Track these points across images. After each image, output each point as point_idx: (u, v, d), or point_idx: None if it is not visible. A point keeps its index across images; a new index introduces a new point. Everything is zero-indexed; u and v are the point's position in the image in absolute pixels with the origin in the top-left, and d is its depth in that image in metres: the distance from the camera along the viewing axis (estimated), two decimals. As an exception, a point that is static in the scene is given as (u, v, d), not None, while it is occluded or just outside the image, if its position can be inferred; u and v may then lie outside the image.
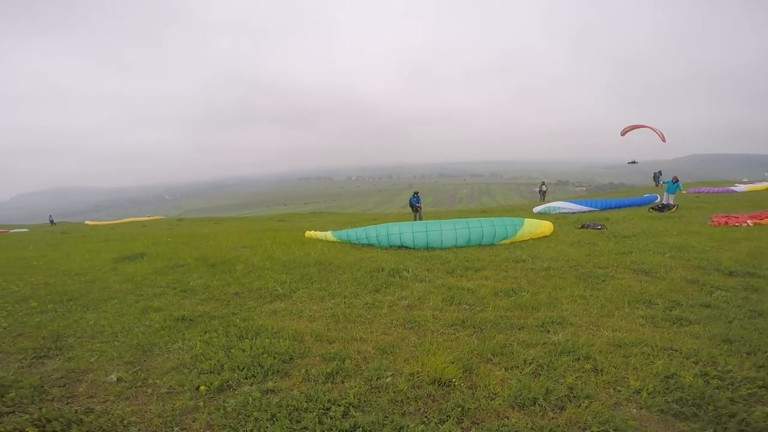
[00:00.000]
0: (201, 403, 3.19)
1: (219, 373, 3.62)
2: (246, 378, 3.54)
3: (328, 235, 11.26)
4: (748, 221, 11.74)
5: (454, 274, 7.09)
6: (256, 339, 4.30)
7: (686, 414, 2.85)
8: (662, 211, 15.92)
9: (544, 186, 32.38)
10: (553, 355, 3.75)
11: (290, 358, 3.89)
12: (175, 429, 2.90)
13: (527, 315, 4.88)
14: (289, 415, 2.98)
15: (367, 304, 5.49)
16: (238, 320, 4.92)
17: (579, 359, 3.68)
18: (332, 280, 6.73)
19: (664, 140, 18.06)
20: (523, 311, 5.03)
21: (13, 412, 3.06)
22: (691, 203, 19.21)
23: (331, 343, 4.24)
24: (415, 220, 17.77)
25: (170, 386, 3.47)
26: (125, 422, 2.97)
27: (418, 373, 3.49)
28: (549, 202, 23.03)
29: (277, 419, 2.93)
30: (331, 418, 2.92)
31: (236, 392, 3.33)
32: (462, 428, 2.84)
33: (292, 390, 3.32)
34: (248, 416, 2.99)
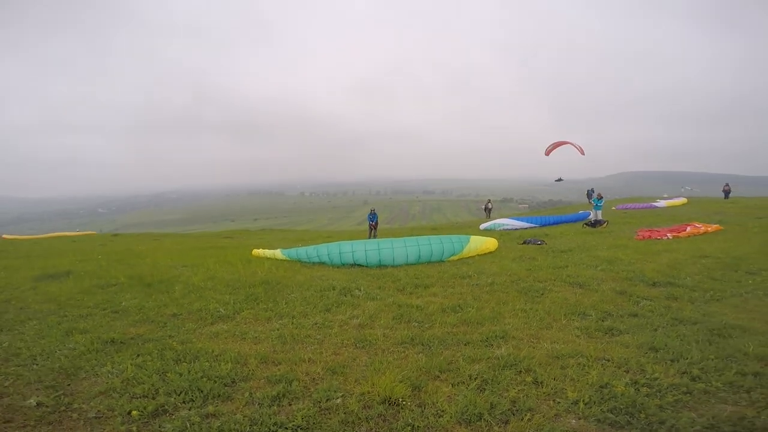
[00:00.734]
0: (134, 428, 2.99)
1: (153, 398, 3.39)
2: (184, 402, 3.34)
3: (277, 253, 10.96)
4: (668, 234, 12.94)
5: (404, 291, 7.15)
6: (194, 362, 4.06)
7: (621, 423, 3.02)
8: (594, 227, 17.15)
9: (490, 203, 33.71)
10: (497, 369, 3.86)
11: (232, 382, 3.71)
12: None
13: (472, 330, 5.01)
14: (232, 440, 2.83)
15: (316, 324, 5.38)
16: (174, 343, 4.62)
17: (521, 372, 3.81)
18: (280, 300, 6.53)
19: (582, 153, 19.51)
20: (468, 327, 5.15)
21: None
22: (619, 218, 20.84)
23: (277, 365, 4.09)
24: (370, 237, 17.80)
25: (99, 411, 3.23)
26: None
27: (368, 392, 3.45)
28: (494, 219, 24.02)
29: (218, 446, 2.77)
30: (277, 443, 2.80)
31: (173, 417, 3.13)
32: (411, 447, 2.83)
33: (235, 414, 3.17)
34: (187, 443, 2.81)
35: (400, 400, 3.33)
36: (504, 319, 5.40)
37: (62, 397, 3.44)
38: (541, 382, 3.61)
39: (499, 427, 3.02)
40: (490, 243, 11.50)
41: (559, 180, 22.58)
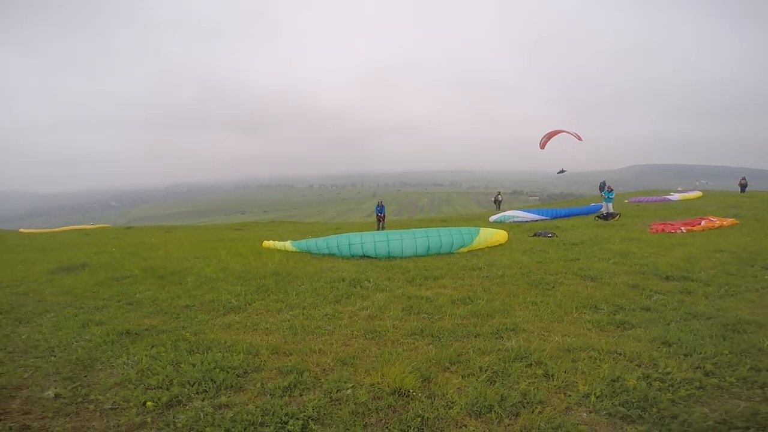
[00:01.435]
0: (149, 419, 3.04)
1: (168, 389, 3.45)
2: (197, 393, 3.39)
3: (288, 245, 11.04)
4: (682, 228, 12.73)
5: (413, 283, 7.16)
6: (207, 353, 4.12)
7: (632, 417, 3.00)
8: (607, 220, 16.94)
9: (500, 195, 33.49)
10: (507, 361, 3.85)
11: (245, 372, 3.76)
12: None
13: (482, 322, 5.00)
14: (244, 429, 2.89)
15: (326, 315, 5.42)
16: (188, 334, 4.69)
17: (531, 365, 3.80)
18: (290, 291, 6.58)
19: (580, 139, 19.21)
20: (478, 319, 5.15)
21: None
22: (632, 212, 20.55)
23: (288, 356, 4.13)
24: (378, 229, 17.83)
25: (114, 402, 3.29)
26: (64, 442, 2.76)
27: (378, 383, 3.47)
28: (504, 211, 23.85)
29: (231, 435, 2.82)
30: (288, 432, 2.84)
31: (187, 408, 3.19)
32: (421, 438, 2.85)
33: (247, 404, 3.21)
34: (200, 432, 2.86)
35: (410, 391, 3.34)
36: (515, 312, 5.38)
37: (79, 388, 3.51)
38: (552, 375, 3.59)
39: (510, 419, 3.02)
40: (500, 235, 11.43)
41: (562, 171, 22.12)
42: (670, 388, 3.33)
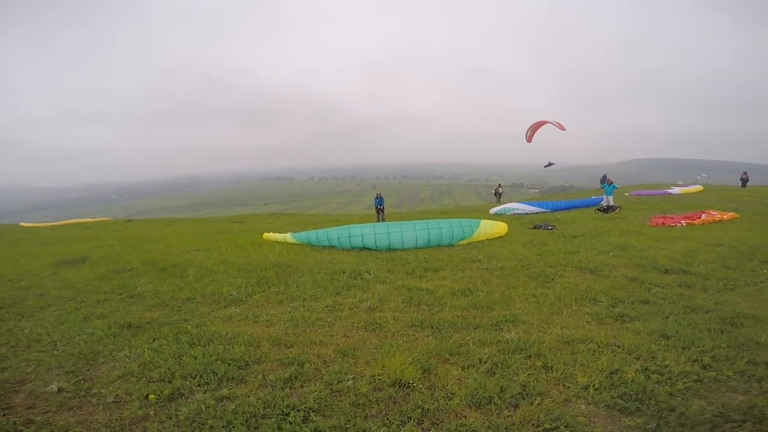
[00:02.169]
0: (151, 412, 3.06)
1: (170, 381, 3.48)
2: (199, 385, 3.42)
3: (288, 237, 11.06)
4: (682, 221, 12.73)
5: (414, 275, 7.18)
6: (209, 346, 4.16)
7: (631, 409, 3.02)
8: (607, 212, 16.95)
9: (500, 188, 33.45)
10: (507, 353, 3.88)
11: (246, 364, 3.79)
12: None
13: (482, 314, 5.03)
14: (246, 421, 2.92)
15: (327, 307, 5.44)
16: (189, 327, 4.72)
17: (531, 357, 3.83)
18: (291, 283, 6.61)
19: (562, 128, 19.12)
20: (478, 310, 5.17)
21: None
22: (632, 205, 20.54)
23: (289, 348, 4.16)
24: (378, 221, 17.82)
25: (117, 395, 3.32)
26: (69, 434, 2.78)
27: (379, 375, 3.50)
28: (505, 203, 23.84)
29: (233, 426, 2.86)
30: (290, 424, 2.88)
31: (189, 400, 3.21)
32: (422, 429, 2.89)
33: (249, 396, 3.24)
34: (203, 424, 2.90)
35: (410, 382, 3.37)
36: (514, 304, 5.40)
37: (82, 382, 3.54)
38: (551, 367, 3.62)
39: (509, 410, 3.05)
40: (500, 227, 11.44)
41: (550, 165, 21.80)
42: (668, 380, 3.35)
